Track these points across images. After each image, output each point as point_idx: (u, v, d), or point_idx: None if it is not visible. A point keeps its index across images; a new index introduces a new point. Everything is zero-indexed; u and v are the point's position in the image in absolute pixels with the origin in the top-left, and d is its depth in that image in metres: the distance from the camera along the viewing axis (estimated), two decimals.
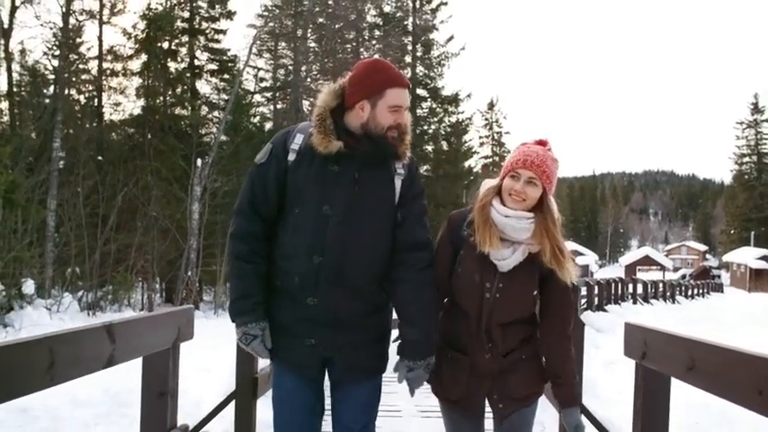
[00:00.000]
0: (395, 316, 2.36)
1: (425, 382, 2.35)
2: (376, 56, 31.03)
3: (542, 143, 2.25)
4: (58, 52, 20.94)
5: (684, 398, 5.31)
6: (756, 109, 62.14)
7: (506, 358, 2.26)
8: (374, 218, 2.17)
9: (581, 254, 62.54)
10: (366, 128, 2.15)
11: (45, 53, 21.40)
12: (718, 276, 57.24)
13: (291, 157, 2.17)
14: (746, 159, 62.31)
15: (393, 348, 2.35)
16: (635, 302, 18.94)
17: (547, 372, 2.30)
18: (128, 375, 5.47)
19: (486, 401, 2.32)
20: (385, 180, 2.20)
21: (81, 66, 21.82)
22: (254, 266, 2.17)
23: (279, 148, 2.20)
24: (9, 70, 18.76)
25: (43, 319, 11.69)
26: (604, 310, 14.62)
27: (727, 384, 1.78)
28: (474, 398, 2.30)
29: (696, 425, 4.76)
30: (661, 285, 24.26)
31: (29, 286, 11.89)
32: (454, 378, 2.29)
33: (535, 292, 2.23)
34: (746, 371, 1.66)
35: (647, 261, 71.16)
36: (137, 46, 21.93)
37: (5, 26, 18.15)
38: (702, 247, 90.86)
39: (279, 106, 28.63)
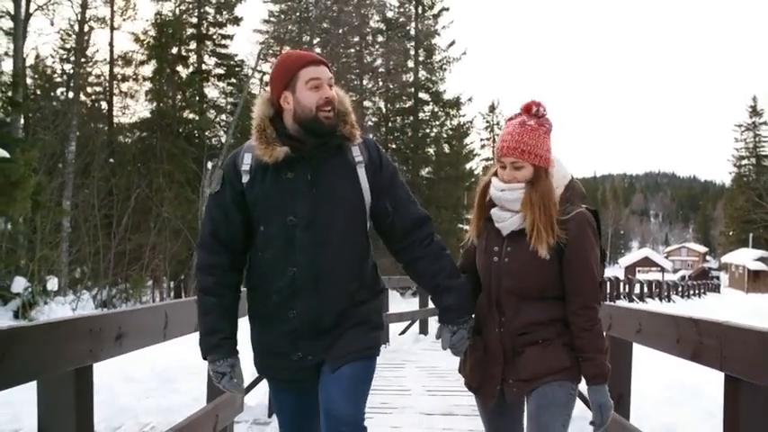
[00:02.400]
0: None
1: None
2: (378, 61, 31.65)
3: (527, 109, 2.20)
4: (67, 56, 21.71)
5: (666, 378, 5.97)
6: (755, 112, 62.52)
7: (521, 338, 2.14)
8: (340, 216, 2.09)
9: None
10: (298, 119, 2.06)
11: (57, 56, 22.19)
12: (717, 278, 57.77)
13: (245, 178, 2.09)
14: (745, 162, 62.73)
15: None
16: (630, 301, 19.55)
17: (576, 350, 2.13)
18: (170, 357, 6.16)
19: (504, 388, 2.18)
20: (344, 174, 2.12)
21: (90, 69, 22.43)
22: (218, 300, 2.11)
23: (230, 173, 2.13)
24: (24, 76, 19.40)
25: (67, 314, 12.34)
26: None
27: (659, 339, 2.43)
28: (488, 383, 2.18)
29: (669, 399, 5.40)
30: (656, 285, 24.85)
31: (53, 283, 12.52)
32: (474, 363, 2.23)
33: (548, 257, 2.09)
34: (670, 327, 2.31)
35: (647, 262, 71.67)
36: (147, 52, 22.60)
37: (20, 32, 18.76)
38: (702, 249, 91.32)
39: None
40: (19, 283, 12.04)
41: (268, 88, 2.15)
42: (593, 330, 2.11)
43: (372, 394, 3.65)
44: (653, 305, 20.93)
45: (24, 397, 3.28)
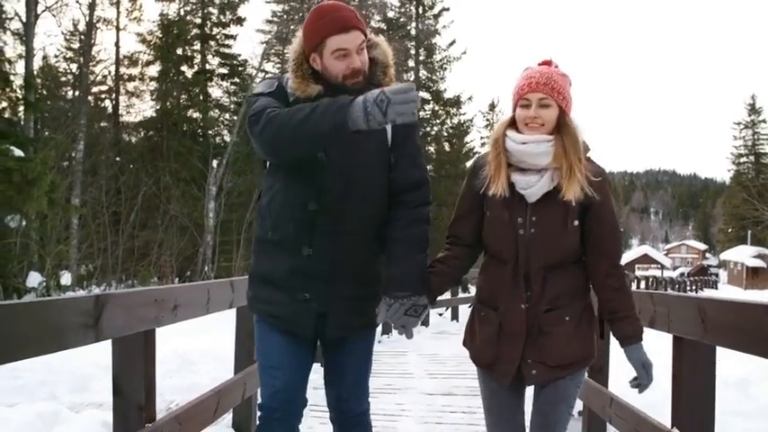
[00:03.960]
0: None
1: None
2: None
3: (547, 63, 2.08)
4: (74, 56, 22.18)
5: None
6: (753, 110, 62.94)
7: (547, 315, 2.01)
8: (370, 161, 2.04)
9: None
10: (326, 80, 2.01)
11: (61, 56, 22.65)
12: (716, 275, 58.21)
13: (291, 99, 2.02)
14: (744, 159, 63.13)
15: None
16: None
17: (603, 313, 2.06)
18: (191, 341, 6.62)
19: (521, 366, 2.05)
20: None
21: (98, 69, 22.88)
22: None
23: (280, 88, 2.06)
24: (32, 76, 19.83)
25: None
26: None
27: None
28: (505, 360, 2.04)
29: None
30: (652, 281, 25.27)
31: (66, 278, 12.98)
32: (486, 339, 2.08)
33: (576, 223, 2.00)
34: (636, 302, 2.75)
35: (646, 260, 72.10)
36: (153, 52, 23.05)
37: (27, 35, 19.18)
38: (702, 246, 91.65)
39: None
40: (34, 278, 12.50)
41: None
42: (624, 290, 2.04)
43: (377, 377, 3.72)
44: None
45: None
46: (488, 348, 2.07)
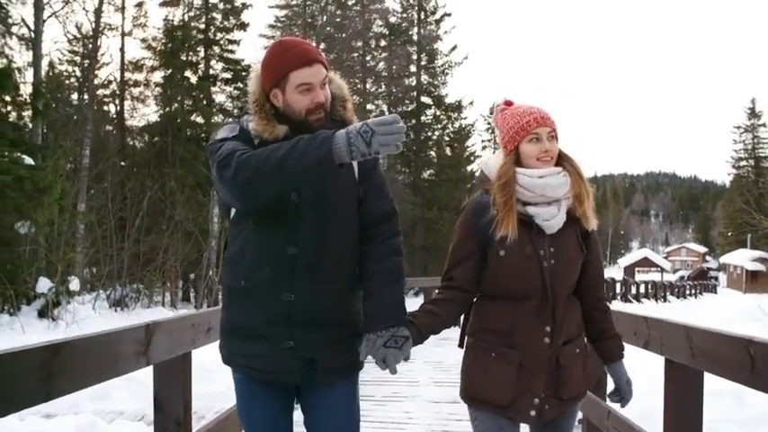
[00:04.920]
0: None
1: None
2: (381, 65, 32.29)
3: (510, 103, 2.17)
4: (80, 62, 22.43)
5: (644, 372, 6.60)
6: (753, 113, 63.18)
7: (565, 347, 2.05)
8: (342, 198, 2.00)
9: None
10: (287, 117, 1.96)
11: (65, 60, 22.89)
12: (716, 278, 58.39)
13: (256, 142, 1.94)
14: (743, 163, 63.36)
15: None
16: (625, 301, 20.15)
17: (593, 333, 2.16)
18: (206, 351, 6.84)
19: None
20: None
21: (102, 73, 23.12)
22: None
23: (242, 132, 1.99)
24: (41, 84, 20.06)
25: (89, 313, 13.03)
26: None
27: (622, 332, 3.09)
28: (526, 398, 2.03)
29: (645, 389, 6.04)
30: (652, 286, 25.48)
31: (75, 284, 13.19)
32: (504, 378, 2.03)
33: (584, 251, 2.09)
34: (631, 324, 2.98)
35: (646, 263, 72.23)
36: (158, 59, 23.29)
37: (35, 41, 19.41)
38: (702, 249, 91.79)
39: None
40: (43, 284, 12.71)
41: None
42: (610, 312, 2.19)
43: (385, 385, 3.78)
44: (649, 305, 21.63)
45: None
46: (507, 388, 2.03)
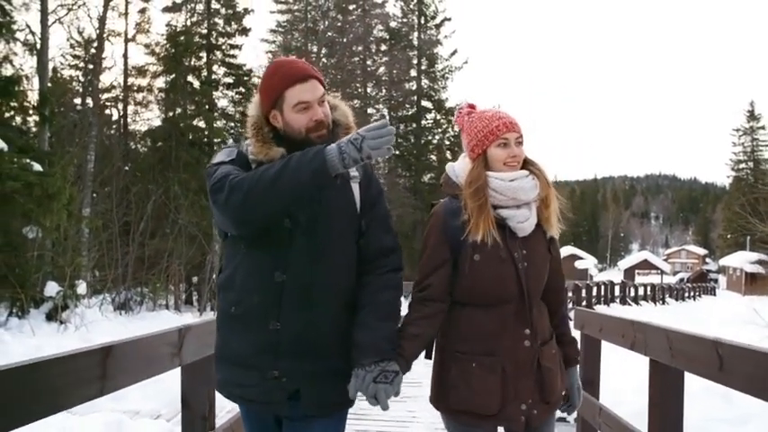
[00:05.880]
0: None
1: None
2: (382, 69, 32.48)
3: (474, 106, 2.19)
4: (84, 67, 22.68)
5: (639, 374, 6.84)
6: (752, 116, 63.41)
7: (543, 348, 2.05)
8: (338, 227, 1.96)
9: (580, 258, 63.75)
10: (288, 138, 1.94)
11: (66, 66, 23.13)
12: (715, 280, 58.56)
13: (253, 165, 1.93)
14: (743, 166, 63.59)
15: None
16: (624, 303, 20.34)
17: (560, 336, 2.19)
18: None
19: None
20: (340, 185, 1.93)
21: (105, 78, 23.41)
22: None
23: (240, 155, 1.97)
24: (47, 90, 20.30)
25: (96, 316, 13.26)
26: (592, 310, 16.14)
27: (613, 335, 3.34)
28: (514, 405, 2.01)
29: (639, 389, 6.29)
30: (651, 288, 25.68)
31: (83, 288, 13.42)
32: (489, 387, 2.00)
33: (551, 252, 2.13)
34: (619, 327, 3.22)
35: (646, 265, 72.32)
36: (160, 63, 23.55)
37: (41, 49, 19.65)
38: (702, 251, 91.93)
39: None
40: (51, 288, 12.94)
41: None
42: (568, 316, 2.21)
43: None
44: (647, 308, 21.81)
45: None
46: (494, 396, 2.00)
